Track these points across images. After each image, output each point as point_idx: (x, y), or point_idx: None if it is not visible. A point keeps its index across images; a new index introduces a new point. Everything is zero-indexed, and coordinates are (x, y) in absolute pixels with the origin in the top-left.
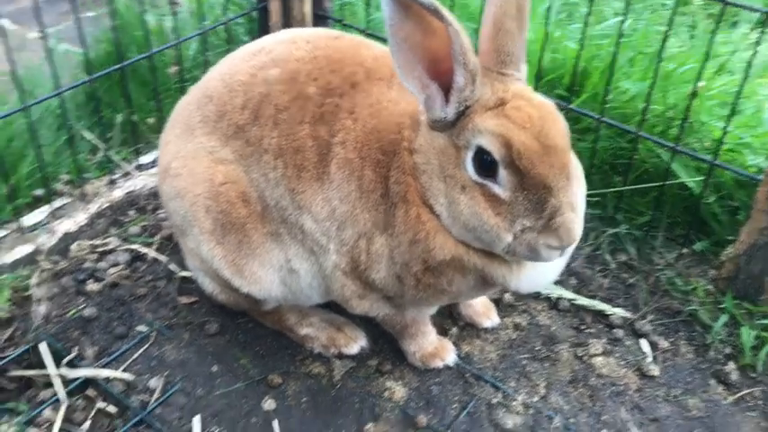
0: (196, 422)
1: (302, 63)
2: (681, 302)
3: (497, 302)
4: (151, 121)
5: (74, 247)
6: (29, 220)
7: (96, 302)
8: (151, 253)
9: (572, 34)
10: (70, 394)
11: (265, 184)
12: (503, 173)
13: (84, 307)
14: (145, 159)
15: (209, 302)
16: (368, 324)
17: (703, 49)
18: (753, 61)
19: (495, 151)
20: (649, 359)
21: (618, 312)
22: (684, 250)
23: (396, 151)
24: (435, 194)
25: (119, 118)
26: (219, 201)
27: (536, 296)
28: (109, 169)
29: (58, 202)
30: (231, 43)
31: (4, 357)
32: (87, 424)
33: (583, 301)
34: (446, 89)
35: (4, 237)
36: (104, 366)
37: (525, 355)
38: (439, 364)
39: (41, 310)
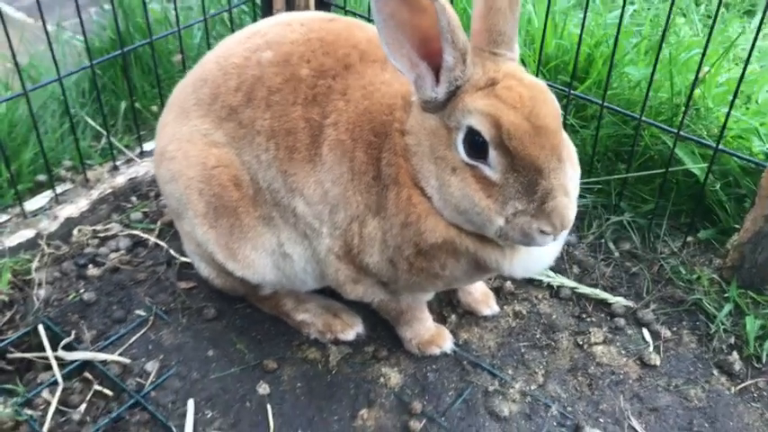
0: (190, 405)
1: (296, 45)
2: (685, 291)
3: (498, 291)
4: (155, 108)
5: (75, 232)
6: (31, 205)
7: (96, 287)
8: (152, 239)
9: (579, 21)
10: (68, 377)
11: (258, 167)
12: (493, 154)
13: (84, 291)
14: (148, 146)
15: (208, 288)
16: (365, 310)
17: (717, 37)
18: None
19: (485, 132)
20: (651, 348)
21: (620, 301)
22: (689, 239)
23: (387, 133)
24: (426, 176)
25: (123, 105)
26: (212, 184)
27: (537, 284)
28: (112, 156)
29: (60, 188)
30: (236, 31)
31: (3, 340)
32: (83, 406)
33: (584, 289)
34: (436, 69)
35: (7, 221)
36: (102, 350)
37: (524, 343)
38: (436, 351)
39: (42, 293)
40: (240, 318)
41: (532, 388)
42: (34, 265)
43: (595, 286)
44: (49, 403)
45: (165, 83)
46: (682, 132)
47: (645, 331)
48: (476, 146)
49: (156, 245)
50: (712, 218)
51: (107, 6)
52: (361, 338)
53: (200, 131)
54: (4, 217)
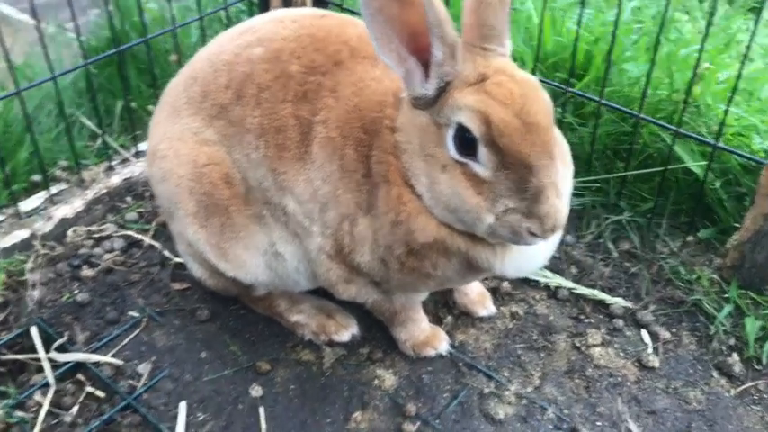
0: (182, 408)
1: (286, 42)
2: (684, 292)
3: (495, 291)
4: (151, 108)
5: (70, 232)
6: (26, 205)
7: (90, 288)
8: (146, 239)
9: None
10: (60, 379)
11: (248, 165)
12: (483, 151)
13: (78, 292)
14: (144, 146)
15: (202, 289)
16: (360, 311)
17: (719, 34)
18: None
19: (475, 128)
20: (650, 350)
21: (619, 302)
22: (689, 238)
23: (378, 130)
24: (416, 174)
25: (119, 105)
26: (202, 182)
27: (535, 285)
28: (107, 156)
29: (55, 188)
30: None
31: None
32: (75, 408)
33: (583, 290)
34: (426, 64)
35: (1, 222)
36: (95, 351)
37: (521, 345)
38: (431, 352)
39: (35, 294)
40: (234, 319)
41: (528, 390)
42: (28, 265)
43: (594, 287)
44: (40, 405)
45: (161, 82)
46: (681, 130)
47: (644, 332)
48: (466, 143)
49: (151, 246)
50: (712, 217)
51: (112, 8)
52: (356, 340)
53: (191, 130)
54: None
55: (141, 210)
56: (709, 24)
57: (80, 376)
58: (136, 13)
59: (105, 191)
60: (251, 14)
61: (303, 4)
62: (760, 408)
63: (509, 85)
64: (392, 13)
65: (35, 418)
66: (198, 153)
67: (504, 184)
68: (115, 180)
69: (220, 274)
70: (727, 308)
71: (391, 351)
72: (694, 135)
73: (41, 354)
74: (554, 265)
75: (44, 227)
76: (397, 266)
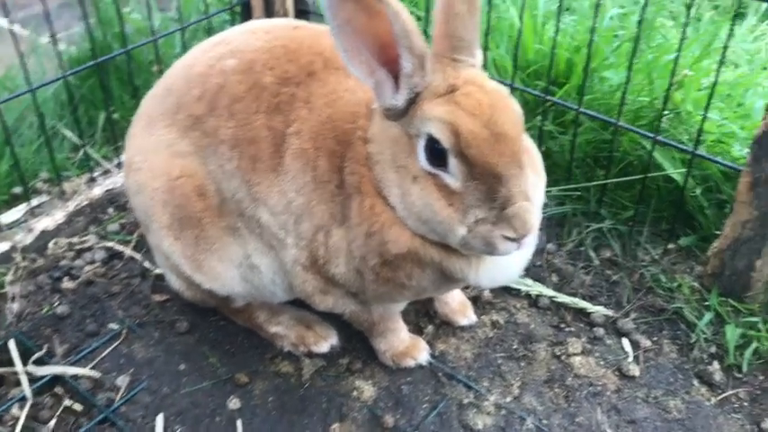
0: (159, 421)
1: (259, 53)
2: (665, 300)
3: (476, 300)
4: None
5: (51, 244)
6: (7, 217)
7: (70, 300)
8: (127, 251)
9: (563, 26)
10: (38, 392)
11: (222, 176)
12: (453, 161)
13: (58, 305)
14: None
15: (182, 300)
16: (340, 322)
17: (706, 40)
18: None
19: (444, 139)
20: (630, 359)
21: (599, 310)
22: (670, 245)
23: (350, 141)
24: (389, 185)
25: (101, 116)
26: (175, 194)
27: (516, 293)
28: (89, 167)
29: (36, 200)
30: None
31: None
32: (53, 422)
33: (563, 298)
34: (396, 75)
35: None
36: (73, 364)
37: (501, 354)
38: (410, 362)
39: (15, 307)
40: (213, 330)
41: (508, 400)
42: (8, 278)
43: (575, 295)
44: (17, 419)
45: (143, 93)
46: (660, 137)
47: (624, 341)
48: (436, 154)
49: (132, 257)
50: (693, 224)
51: (91, 17)
52: (336, 350)
53: (165, 142)
54: None
55: (123, 221)
56: (684, 31)
57: (58, 389)
58: (117, 23)
59: (87, 202)
60: (234, 24)
61: (285, 14)
62: (740, 416)
63: (478, 96)
64: (360, 24)
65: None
66: (171, 165)
67: (474, 195)
68: (97, 191)
69: (197, 286)
70: (708, 316)
71: (371, 362)
72: (673, 142)
73: (19, 367)
74: (535, 274)
75: (25, 239)
76: (372, 277)
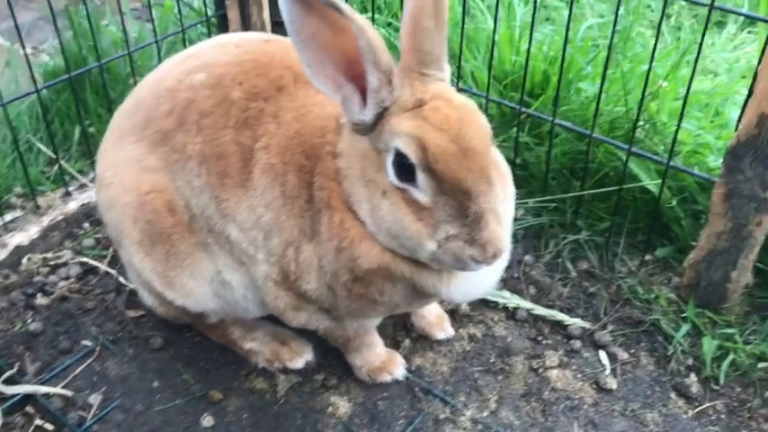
0: None
1: (229, 67)
2: (643, 312)
3: (453, 313)
4: None
5: (25, 260)
6: None
7: (44, 317)
8: (102, 266)
9: (542, 36)
10: (9, 412)
11: (190, 193)
12: (421, 177)
13: (32, 321)
14: None
15: (157, 316)
16: (316, 337)
17: (683, 50)
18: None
19: (412, 154)
20: (607, 372)
21: (576, 323)
22: (647, 257)
23: (319, 156)
24: (358, 200)
25: (77, 129)
26: (145, 210)
27: (493, 306)
28: (63, 181)
29: (9, 216)
30: None
31: None
32: None
33: (541, 310)
34: (363, 90)
35: None
36: (45, 382)
37: (478, 368)
38: (387, 377)
39: None
40: (188, 347)
41: (484, 415)
42: None
43: (552, 307)
44: None
45: (119, 106)
46: (634, 149)
47: (602, 353)
48: (404, 169)
49: (107, 272)
50: (670, 235)
51: (68, 30)
52: (311, 366)
53: (135, 157)
54: None
55: (99, 236)
56: (656, 41)
57: (29, 408)
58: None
59: (62, 217)
60: (212, 37)
61: (262, 27)
62: (717, 428)
63: (445, 111)
64: (325, 39)
65: None
66: (141, 180)
67: (444, 210)
68: (72, 206)
69: (170, 303)
70: (685, 327)
71: (347, 377)
72: (647, 154)
73: None
74: (512, 286)
75: None
76: (345, 293)
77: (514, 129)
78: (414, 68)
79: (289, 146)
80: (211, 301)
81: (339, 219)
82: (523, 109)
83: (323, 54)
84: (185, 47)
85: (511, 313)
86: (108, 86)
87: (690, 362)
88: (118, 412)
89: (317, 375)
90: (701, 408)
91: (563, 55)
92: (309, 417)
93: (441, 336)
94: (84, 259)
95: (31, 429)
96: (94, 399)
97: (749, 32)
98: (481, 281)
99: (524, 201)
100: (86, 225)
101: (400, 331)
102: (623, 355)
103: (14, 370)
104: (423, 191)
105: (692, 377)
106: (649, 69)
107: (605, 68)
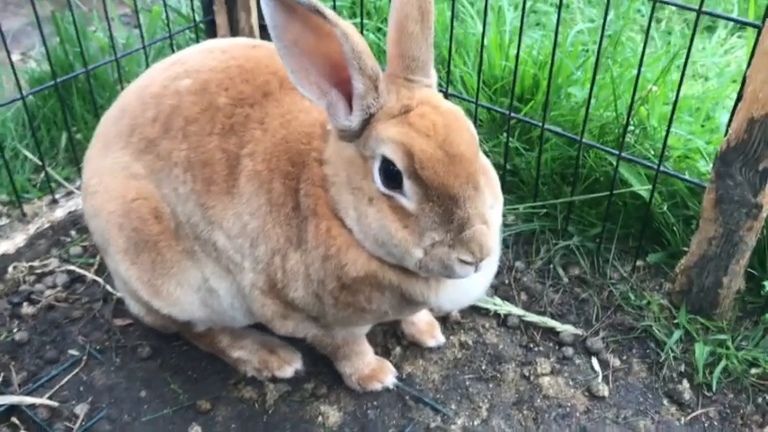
0: None
1: (214, 73)
2: (634, 318)
3: (444, 320)
4: None
5: (10, 269)
6: None
7: (30, 326)
8: (89, 274)
9: (531, 41)
10: None
11: (176, 200)
12: (407, 183)
13: (17, 331)
14: None
15: (144, 325)
16: (306, 346)
17: (673, 54)
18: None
19: (398, 160)
20: (599, 378)
21: (568, 329)
22: (639, 262)
23: (305, 162)
24: (345, 207)
25: (64, 136)
26: (131, 218)
27: (484, 313)
28: (50, 189)
29: None
30: None
31: None
32: None
33: (532, 317)
34: (349, 96)
35: None
36: (31, 392)
37: (469, 376)
38: (377, 386)
39: None
40: (176, 356)
41: (475, 423)
42: None
43: (543, 314)
44: None
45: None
46: (624, 154)
47: (594, 360)
48: (390, 175)
49: (94, 281)
50: (661, 240)
51: (55, 37)
52: (300, 375)
53: (120, 164)
54: None
55: (85, 243)
56: (645, 46)
57: (14, 420)
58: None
59: (48, 225)
60: (200, 42)
61: (250, 32)
62: None
63: (432, 117)
64: (308, 45)
65: None
66: (127, 188)
67: (430, 217)
68: (59, 213)
69: (157, 312)
70: (677, 333)
71: (337, 386)
72: (637, 159)
73: None
74: (503, 292)
75: None
76: (332, 301)
77: (504, 134)
78: (400, 74)
79: (275, 152)
80: (198, 309)
81: (326, 226)
82: (513, 114)
83: (307, 59)
84: (173, 52)
85: (502, 320)
86: (95, 93)
87: (682, 368)
88: (105, 423)
89: (306, 384)
90: (693, 414)
91: (552, 60)
92: (299, 426)
93: (431, 343)
94: (71, 267)
95: None
96: (81, 409)
97: (739, 37)
98: (470, 288)
99: (515, 207)
100: (73, 233)
101: (390, 339)
102: (615, 361)
103: None
104: (409, 198)
105: (685, 383)
106: (638, 74)
107: (595, 73)
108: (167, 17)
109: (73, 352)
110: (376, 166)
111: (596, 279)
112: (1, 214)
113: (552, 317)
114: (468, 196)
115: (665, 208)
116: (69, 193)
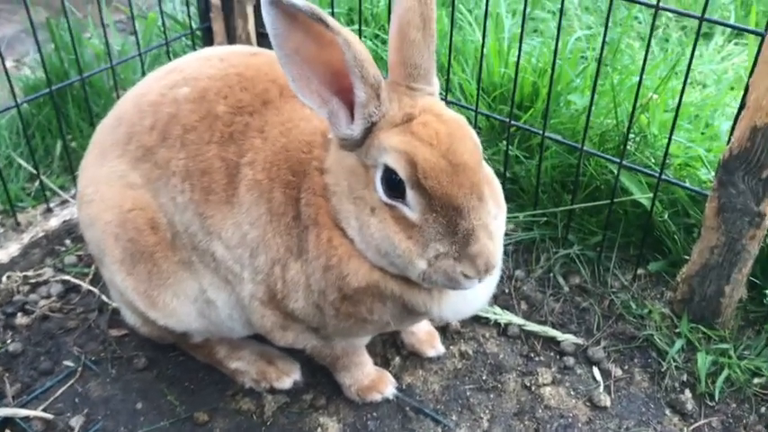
0: None
1: (213, 81)
2: (636, 327)
3: (444, 330)
4: None
5: (4, 278)
6: None
7: (24, 337)
8: (84, 284)
9: (530, 48)
10: None
11: (174, 209)
12: (410, 193)
13: (11, 342)
14: None
15: (140, 335)
16: (304, 356)
17: (672, 62)
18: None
19: (401, 170)
20: (601, 388)
21: (569, 339)
22: (640, 271)
23: (306, 171)
24: (346, 217)
25: (58, 144)
26: (127, 228)
27: (484, 322)
28: (44, 197)
29: None
30: None
31: None
32: None
33: (533, 326)
34: (350, 105)
35: None
36: (25, 405)
37: (470, 386)
38: (377, 397)
39: None
40: (172, 367)
41: None
42: None
43: (544, 323)
44: None
45: (101, 120)
46: (625, 162)
47: (595, 370)
48: (393, 185)
49: (89, 290)
50: (662, 249)
51: (50, 43)
52: (299, 386)
53: (117, 173)
54: None
55: (80, 253)
56: (647, 53)
57: None
58: (76, 49)
59: (43, 234)
60: (196, 50)
61: (248, 39)
62: None
63: (435, 125)
64: (310, 53)
65: None
66: (123, 197)
67: (434, 228)
68: (54, 222)
69: (153, 323)
70: (679, 343)
71: (336, 397)
72: (638, 167)
73: None
74: (504, 302)
75: None
76: (333, 312)
77: (504, 142)
78: (402, 82)
79: (275, 161)
80: (196, 320)
81: (327, 236)
82: (513, 122)
83: (308, 68)
84: (169, 60)
85: (502, 329)
86: (90, 100)
87: (684, 378)
88: None
89: (305, 395)
90: (696, 425)
91: (552, 67)
92: None
93: (431, 353)
94: (66, 277)
95: None
96: (76, 421)
97: (736, 44)
98: (473, 298)
99: (515, 215)
100: (68, 242)
101: (390, 349)
102: (617, 371)
103: None
104: (412, 208)
105: (687, 393)
106: (640, 81)
107: (595, 81)
108: (163, 24)
109: (68, 363)
110: (378, 175)
111: (597, 288)
112: None
113: (553, 326)
114: (472, 207)
115: (666, 216)
116: (64, 202)
